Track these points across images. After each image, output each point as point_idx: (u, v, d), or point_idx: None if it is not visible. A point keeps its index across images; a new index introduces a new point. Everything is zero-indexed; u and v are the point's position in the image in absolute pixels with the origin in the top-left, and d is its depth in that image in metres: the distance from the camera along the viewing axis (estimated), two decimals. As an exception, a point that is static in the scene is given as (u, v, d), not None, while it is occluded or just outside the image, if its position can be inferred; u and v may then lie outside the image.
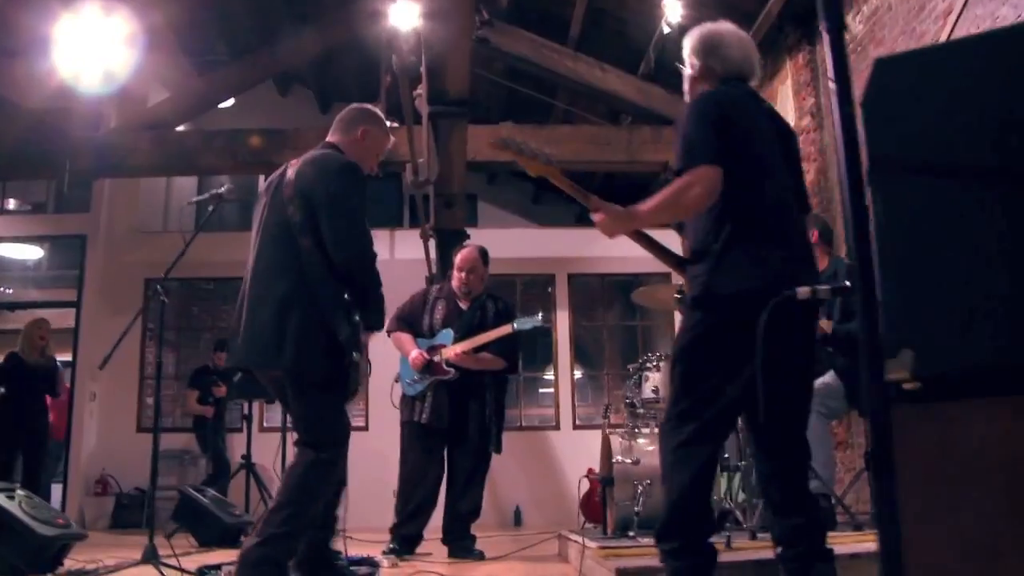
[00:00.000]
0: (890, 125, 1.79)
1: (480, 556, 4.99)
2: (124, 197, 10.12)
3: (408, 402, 5.23)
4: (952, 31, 5.05)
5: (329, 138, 3.51)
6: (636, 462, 4.85)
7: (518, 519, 9.32)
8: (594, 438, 8.88)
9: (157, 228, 10.55)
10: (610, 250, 10.18)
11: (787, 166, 2.89)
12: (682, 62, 3.12)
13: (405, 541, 5.07)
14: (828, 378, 4.79)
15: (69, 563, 4.42)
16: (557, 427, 10.12)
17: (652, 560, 3.56)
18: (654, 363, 4.99)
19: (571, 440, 9.75)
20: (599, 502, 8.01)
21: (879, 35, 6.19)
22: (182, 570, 3.91)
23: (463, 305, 5.26)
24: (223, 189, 4.56)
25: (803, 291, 1.97)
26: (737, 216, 2.74)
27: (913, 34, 5.77)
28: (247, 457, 7.67)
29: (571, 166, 8.54)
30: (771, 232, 2.73)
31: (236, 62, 9.01)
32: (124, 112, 8.54)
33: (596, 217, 2.82)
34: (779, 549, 2.93)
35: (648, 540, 4.42)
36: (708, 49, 2.95)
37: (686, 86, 3.06)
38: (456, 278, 5.29)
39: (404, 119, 7.25)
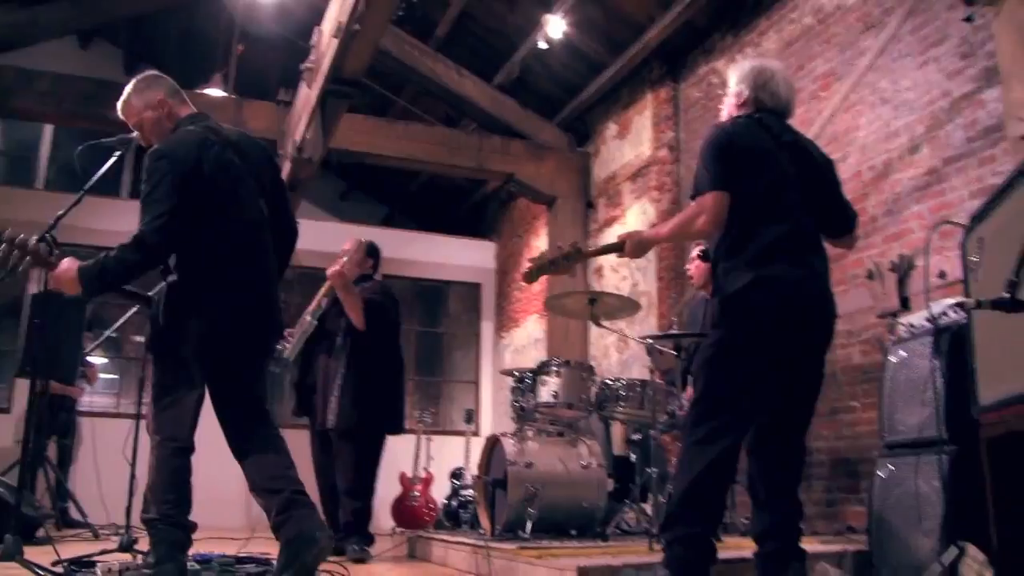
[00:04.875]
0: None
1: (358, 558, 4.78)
2: None
3: None
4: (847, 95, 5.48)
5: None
6: (529, 465, 4.82)
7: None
8: (400, 443, 8.74)
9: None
10: (427, 254, 10.23)
11: (807, 188, 3.09)
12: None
13: None
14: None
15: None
16: (359, 431, 9.82)
17: (611, 559, 3.58)
18: (556, 368, 5.00)
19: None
20: (411, 507, 7.93)
21: (753, 83, 6.61)
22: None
23: None
24: (135, 134, 3.95)
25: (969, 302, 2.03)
26: (746, 235, 2.97)
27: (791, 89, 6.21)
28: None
29: (415, 165, 8.46)
30: (774, 248, 2.93)
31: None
32: None
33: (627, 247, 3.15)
34: (758, 546, 3.08)
35: (548, 541, 4.44)
36: (761, 83, 3.16)
37: (726, 110, 3.27)
38: None
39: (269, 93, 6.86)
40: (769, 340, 2.91)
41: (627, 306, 4.95)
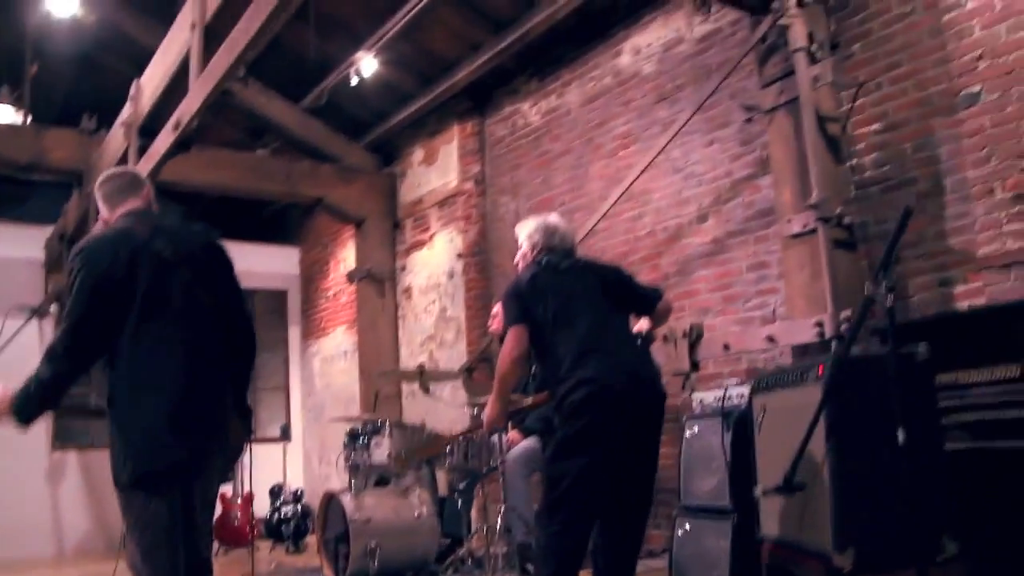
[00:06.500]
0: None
1: None
2: None
3: None
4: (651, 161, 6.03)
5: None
6: (367, 521, 5.21)
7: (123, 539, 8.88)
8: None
9: None
10: (263, 265, 10.22)
11: (599, 294, 3.77)
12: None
13: None
14: (530, 442, 5.58)
15: None
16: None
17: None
18: (389, 430, 5.38)
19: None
20: (233, 526, 8.10)
21: (556, 132, 7.15)
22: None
23: None
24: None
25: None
26: (556, 350, 3.63)
27: (591, 143, 6.79)
28: None
29: (225, 192, 8.45)
30: (581, 353, 3.55)
31: None
32: None
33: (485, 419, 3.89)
34: None
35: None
36: (550, 234, 3.95)
37: (523, 260, 4.00)
38: None
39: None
40: (599, 431, 3.47)
41: (451, 376, 5.41)
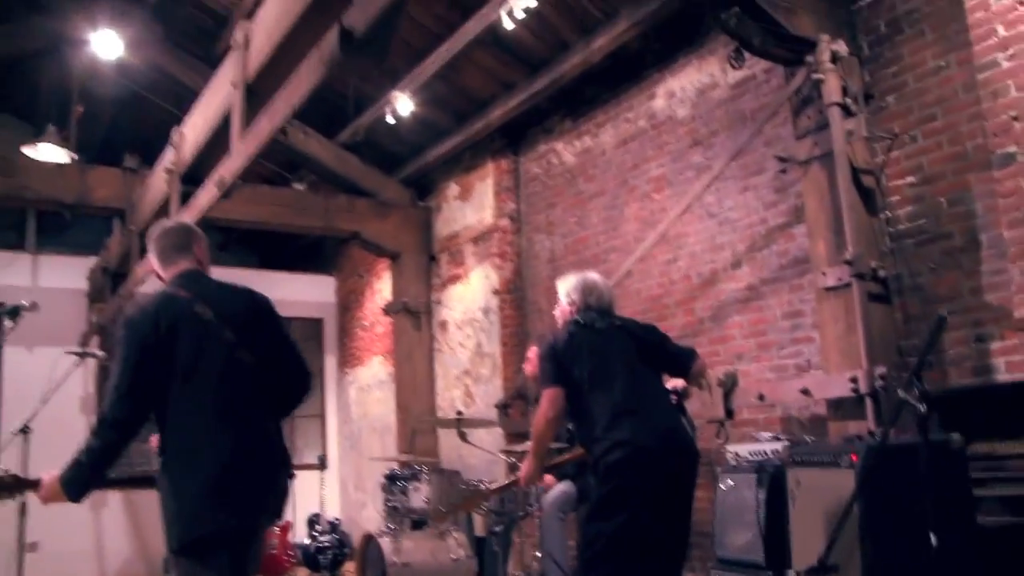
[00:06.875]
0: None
1: None
2: None
3: None
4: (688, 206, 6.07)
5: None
6: (406, 565, 5.29)
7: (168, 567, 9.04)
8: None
9: None
10: (299, 293, 10.37)
11: (634, 354, 3.83)
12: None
13: None
14: (565, 486, 5.64)
15: None
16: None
17: None
18: (427, 476, 5.46)
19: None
20: (272, 555, 8.24)
21: (591, 172, 7.21)
22: None
23: None
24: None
25: None
26: (591, 410, 3.70)
27: (625, 185, 6.84)
28: None
29: (264, 227, 8.62)
30: (615, 414, 3.62)
31: None
32: None
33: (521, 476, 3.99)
34: None
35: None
36: (588, 291, 4.05)
37: (562, 316, 4.12)
38: None
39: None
40: (633, 492, 3.54)
41: (486, 423, 5.48)
